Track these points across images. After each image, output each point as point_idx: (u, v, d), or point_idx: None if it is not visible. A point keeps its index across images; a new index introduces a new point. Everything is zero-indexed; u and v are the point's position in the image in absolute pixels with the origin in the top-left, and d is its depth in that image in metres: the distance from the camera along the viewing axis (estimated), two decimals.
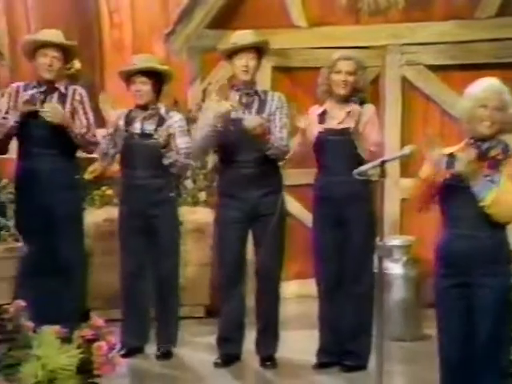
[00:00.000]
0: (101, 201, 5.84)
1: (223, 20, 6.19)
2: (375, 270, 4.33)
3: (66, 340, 3.65)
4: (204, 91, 6.18)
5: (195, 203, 5.91)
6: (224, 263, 4.54)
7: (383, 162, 3.32)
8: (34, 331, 3.64)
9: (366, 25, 5.88)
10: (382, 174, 3.32)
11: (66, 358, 3.51)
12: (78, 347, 3.60)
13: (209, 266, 5.57)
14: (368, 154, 4.25)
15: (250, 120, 4.33)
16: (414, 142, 5.61)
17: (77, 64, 5.57)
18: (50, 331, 3.65)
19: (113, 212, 5.36)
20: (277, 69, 5.98)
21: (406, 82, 5.85)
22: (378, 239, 3.48)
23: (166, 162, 4.54)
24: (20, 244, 3.59)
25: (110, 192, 5.82)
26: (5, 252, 3.59)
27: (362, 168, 3.47)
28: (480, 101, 3.10)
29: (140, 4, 6.80)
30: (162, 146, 4.52)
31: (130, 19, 6.87)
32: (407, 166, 5.62)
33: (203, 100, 6.16)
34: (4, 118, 4.49)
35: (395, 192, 5.68)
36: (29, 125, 4.47)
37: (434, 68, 5.77)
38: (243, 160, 4.39)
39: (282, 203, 4.48)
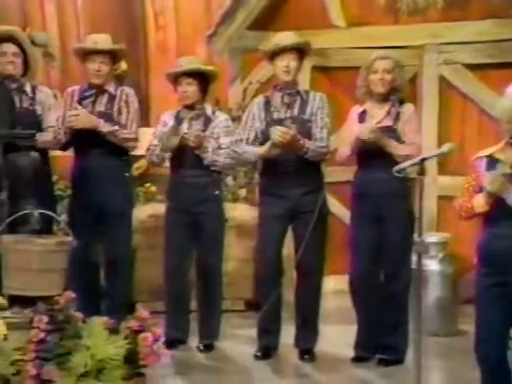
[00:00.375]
0: (145, 197, 5.94)
1: (264, 21, 6.24)
2: (413, 267, 4.38)
3: (114, 331, 3.75)
4: (244, 91, 6.25)
5: (235, 200, 5.97)
6: (264, 259, 4.57)
7: (423, 160, 3.29)
8: (84, 322, 3.74)
9: (405, 24, 5.86)
10: (422, 172, 3.30)
11: (114, 348, 3.60)
12: (125, 338, 3.69)
13: (249, 261, 5.64)
14: (402, 157, 4.22)
15: (275, 134, 4.31)
16: (452, 140, 5.61)
17: (123, 65, 5.69)
18: (99, 322, 3.75)
19: (157, 208, 5.46)
20: (316, 68, 6.00)
21: (443, 81, 5.82)
22: (416, 236, 3.48)
23: (205, 162, 4.62)
24: (70, 238, 3.68)
25: (153, 189, 5.93)
26: (56, 245, 3.67)
27: (402, 165, 3.45)
28: None
29: (184, 6, 6.91)
30: (195, 148, 4.56)
31: (174, 21, 6.99)
32: (445, 164, 5.65)
33: (243, 99, 6.29)
34: (60, 128, 4.61)
35: (433, 189, 5.67)
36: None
37: (472, 67, 5.73)
38: (284, 159, 4.42)
39: (322, 201, 4.50)
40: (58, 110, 4.72)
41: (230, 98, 6.31)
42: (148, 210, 5.56)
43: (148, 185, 5.94)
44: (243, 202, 6.00)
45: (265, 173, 4.61)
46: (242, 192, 6.04)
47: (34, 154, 4.18)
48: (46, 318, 3.52)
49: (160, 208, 5.21)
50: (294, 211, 4.49)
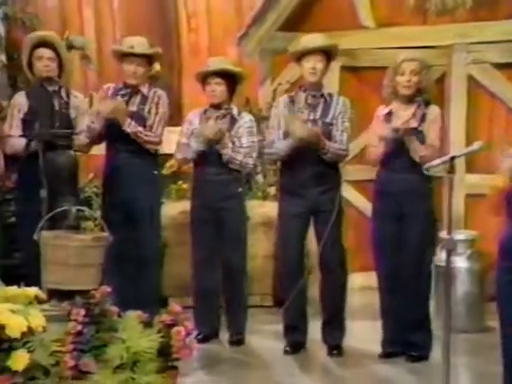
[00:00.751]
0: (177, 194, 6.01)
1: (294, 22, 6.27)
2: (441, 264, 4.40)
3: (147, 325, 3.83)
4: (274, 91, 6.26)
5: (265, 197, 6.02)
6: (286, 256, 4.62)
7: (452, 158, 3.26)
8: (119, 315, 3.81)
9: (433, 25, 5.85)
10: (451, 170, 3.26)
11: (148, 341, 3.64)
12: (159, 332, 3.72)
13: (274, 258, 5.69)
14: (419, 158, 4.26)
15: (301, 130, 4.37)
16: (480, 139, 5.60)
17: (157, 66, 5.75)
18: (133, 316, 3.80)
19: (187, 205, 5.49)
20: (345, 68, 6.01)
21: (471, 81, 5.80)
22: (445, 233, 3.46)
23: (223, 159, 4.66)
24: (106, 234, 3.75)
25: (185, 186, 5.99)
26: (92, 241, 3.73)
27: (432, 163, 3.41)
28: None
29: (215, 9, 6.95)
30: (215, 142, 4.60)
31: (206, 23, 7.03)
32: (473, 163, 5.63)
33: (273, 99, 6.32)
34: (93, 122, 4.67)
35: (460, 188, 5.65)
36: (111, 124, 4.64)
37: (500, 66, 5.70)
38: (304, 159, 4.46)
39: (339, 199, 4.53)
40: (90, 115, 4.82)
41: (260, 98, 6.35)
42: (179, 207, 5.60)
43: (180, 182, 6.01)
44: (272, 199, 6.04)
45: (285, 172, 4.64)
46: (272, 190, 6.07)
47: (72, 153, 4.26)
48: (83, 311, 3.58)
49: (184, 205, 5.30)
50: (314, 209, 4.53)
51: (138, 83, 4.74)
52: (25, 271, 4.37)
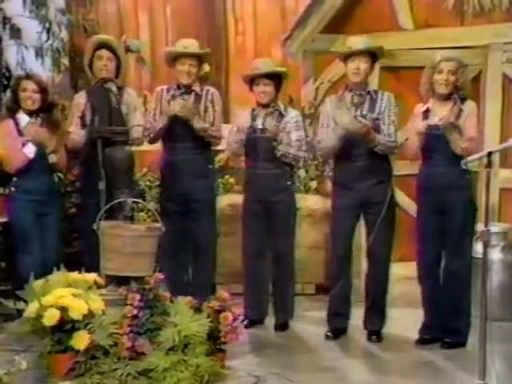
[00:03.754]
0: (224, 188, 6.02)
1: (335, 25, 6.21)
2: (476, 255, 4.31)
3: (197, 310, 3.85)
4: (316, 90, 6.24)
5: (307, 191, 5.99)
6: (336, 246, 4.58)
7: (490, 153, 3.19)
8: (171, 301, 3.85)
9: (470, 26, 5.72)
10: (489, 165, 3.19)
11: (198, 325, 3.69)
12: (208, 317, 3.78)
13: (320, 248, 5.62)
14: (461, 150, 4.20)
15: (350, 121, 4.34)
16: None
17: (206, 67, 5.77)
18: (184, 301, 3.85)
19: (234, 198, 5.53)
20: (384, 69, 5.91)
21: (506, 79, 5.66)
22: (482, 225, 3.38)
23: (278, 153, 4.64)
24: (159, 224, 3.78)
25: (232, 180, 6.00)
26: (146, 231, 3.78)
27: (470, 158, 3.36)
28: None
29: (261, 13, 6.93)
30: (273, 139, 4.61)
31: (253, 27, 7.03)
32: (506, 158, 5.52)
33: (315, 98, 6.28)
34: (153, 121, 4.74)
35: (494, 182, 5.49)
36: (172, 122, 4.68)
37: None
38: (356, 153, 4.43)
39: (391, 192, 4.48)
40: (141, 112, 4.85)
41: (303, 96, 6.30)
42: (226, 200, 5.62)
43: (227, 177, 6.02)
44: (314, 193, 6.02)
45: (337, 166, 4.61)
46: (313, 184, 6.06)
47: (128, 148, 4.30)
48: (138, 296, 3.64)
49: (237, 198, 5.28)
50: (365, 202, 4.48)
51: (191, 83, 4.76)
52: (85, 259, 4.41)
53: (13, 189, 4.51)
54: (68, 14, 6.22)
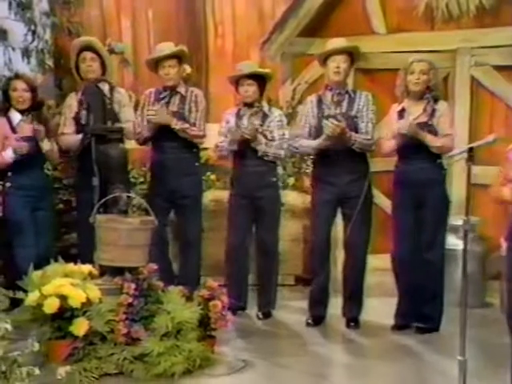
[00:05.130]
0: (206, 185, 6.11)
1: (312, 29, 6.31)
2: (451, 247, 4.48)
3: (188, 298, 3.96)
4: (294, 90, 6.32)
5: (285, 187, 6.06)
6: (317, 239, 4.69)
7: (471, 149, 3.23)
8: (163, 290, 3.96)
9: (440, 31, 5.85)
10: (470, 159, 3.23)
11: (190, 313, 3.80)
12: (198, 305, 3.88)
13: (299, 241, 5.73)
14: (437, 148, 4.35)
15: (329, 127, 4.47)
16: (481, 135, 5.64)
17: (188, 69, 5.87)
18: (176, 290, 3.96)
19: (217, 194, 5.65)
20: (358, 71, 6.02)
21: (474, 81, 5.81)
22: (463, 217, 3.46)
23: (259, 153, 4.76)
24: (152, 218, 3.88)
25: (213, 177, 6.10)
26: (140, 224, 3.88)
27: (453, 153, 3.42)
28: None
29: (240, 17, 7.05)
30: (250, 140, 4.71)
31: (232, 30, 7.15)
32: (475, 155, 5.70)
33: (293, 98, 6.40)
34: (141, 123, 4.83)
35: (463, 177, 5.67)
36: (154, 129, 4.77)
37: (500, 68, 5.69)
38: (335, 151, 4.55)
39: (368, 187, 4.61)
40: (131, 108, 4.93)
41: (281, 97, 6.39)
42: (209, 196, 5.69)
43: (208, 173, 6.10)
44: (292, 189, 6.12)
45: (318, 163, 4.73)
46: (291, 180, 6.16)
47: (122, 146, 4.39)
48: (133, 286, 3.74)
49: (219, 194, 5.40)
50: (343, 196, 4.61)
51: (175, 84, 4.84)
52: (81, 251, 4.48)
53: (8, 184, 4.55)
54: (52, 17, 6.25)
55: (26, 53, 6.02)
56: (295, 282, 5.70)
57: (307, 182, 6.12)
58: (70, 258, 4.17)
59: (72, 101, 4.88)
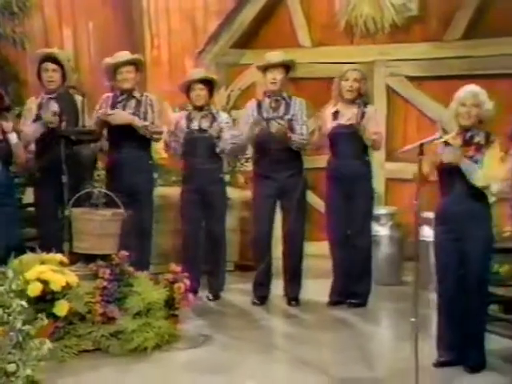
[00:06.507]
0: None
1: (244, 41, 6.62)
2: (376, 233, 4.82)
3: (156, 281, 4.18)
4: (228, 97, 6.58)
5: None
6: (259, 229, 4.94)
7: (421, 144, 3.35)
8: (133, 275, 4.15)
9: (358, 45, 6.21)
10: (421, 153, 3.33)
11: (157, 294, 4.00)
12: (165, 287, 4.12)
13: (236, 231, 5.89)
14: (371, 142, 4.76)
15: (275, 126, 4.77)
16: (396, 136, 6.18)
17: None
18: (144, 275, 4.18)
19: (162, 190, 5.78)
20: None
21: (389, 89, 6.20)
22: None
23: (217, 149, 4.98)
24: (121, 210, 4.07)
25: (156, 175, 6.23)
26: (112, 216, 4.06)
27: (405, 148, 3.53)
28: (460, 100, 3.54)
29: (175, 30, 7.31)
30: (216, 138, 4.96)
31: (167, 42, 7.38)
32: (390, 153, 6.05)
33: (227, 103, 6.67)
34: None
35: (381, 173, 6.04)
36: (114, 126, 4.89)
37: (412, 78, 6.11)
38: (274, 149, 4.83)
39: (303, 182, 4.90)
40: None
41: (217, 102, 6.64)
42: (156, 192, 5.76)
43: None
44: (228, 185, 6.36)
45: (258, 160, 4.99)
46: (226, 177, 6.39)
47: (93, 146, 4.52)
48: (108, 271, 3.93)
49: (162, 190, 5.58)
50: (282, 190, 4.88)
51: (131, 88, 4.99)
52: (44, 243, 4.52)
53: None
54: None
55: None
56: (234, 268, 5.91)
57: (241, 178, 6.42)
58: (24, 252, 4.25)
59: (32, 104, 4.95)
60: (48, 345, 2.78)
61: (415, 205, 3.30)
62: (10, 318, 2.70)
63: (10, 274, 2.95)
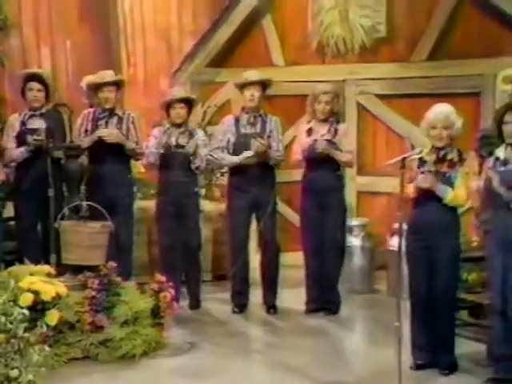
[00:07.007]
0: None
1: (219, 60, 6.73)
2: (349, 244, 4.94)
3: (142, 291, 4.26)
4: (204, 113, 6.67)
5: None
6: (235, 239, 5.04)
7: (404, 158, 3.44)
8: (120, 285, 4.21)
9: (330, 64, 6.37)
10: (403, 167, 3.42)
11: (144, 303, 4.09)
12: (151, 296, 4.20)
13: (210, 242, 5.94)
14: (344, 163, 4.93)
15: (255, 145, 4.89)
16: (367, 151, 6.37)
17: None
18: (131, 284, 4.25)
19: (140, 203, 5.84)
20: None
21: (359, 107, 6.36)
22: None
23: (193, 166, 5.06)
24: (109, 222, 4.14)
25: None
26: (101, 228, 4.13)
27: (389, 162, 3.54)
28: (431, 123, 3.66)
29: (150, 49, 7.42)
30: (191, 154, 5.07)
31: (143, 61, 7.48)
32: (362, 167, 6.25)
33: (203, 120, 6.77)
34: (82, 138, 5.01)
35: (353, 186, 6.22)
36: (97, 142, 4.97)
37: (381, 96, 6.28)
38: (248, 164, 4.96)
39: (275, 195, 5.03)
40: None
41: (193, 118, 6.76)
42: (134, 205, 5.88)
43: None
44: (203, 198, 6.44)
45: (233, 174, 5.11)
46: (202, 191, 6.48)
47: (81, 161, 4.58)
48: (97, 281, 3.99)
49: (141, 203, 5.64)
50: (255, 203, 5.00)
51: (113, 107, 5.08)
52: (25, 255, 4.56)
53: None
54: None
55: None
56: (212, 278, 5.95)
57: (217, 192, 6.52)
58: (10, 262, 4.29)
59: (15, 121, 5.02)
60: (46, 351, 2.84)
61: (398, 216, 3.40)
62: (12, 325, 2.76)
63: (12, 283, 3.00)
